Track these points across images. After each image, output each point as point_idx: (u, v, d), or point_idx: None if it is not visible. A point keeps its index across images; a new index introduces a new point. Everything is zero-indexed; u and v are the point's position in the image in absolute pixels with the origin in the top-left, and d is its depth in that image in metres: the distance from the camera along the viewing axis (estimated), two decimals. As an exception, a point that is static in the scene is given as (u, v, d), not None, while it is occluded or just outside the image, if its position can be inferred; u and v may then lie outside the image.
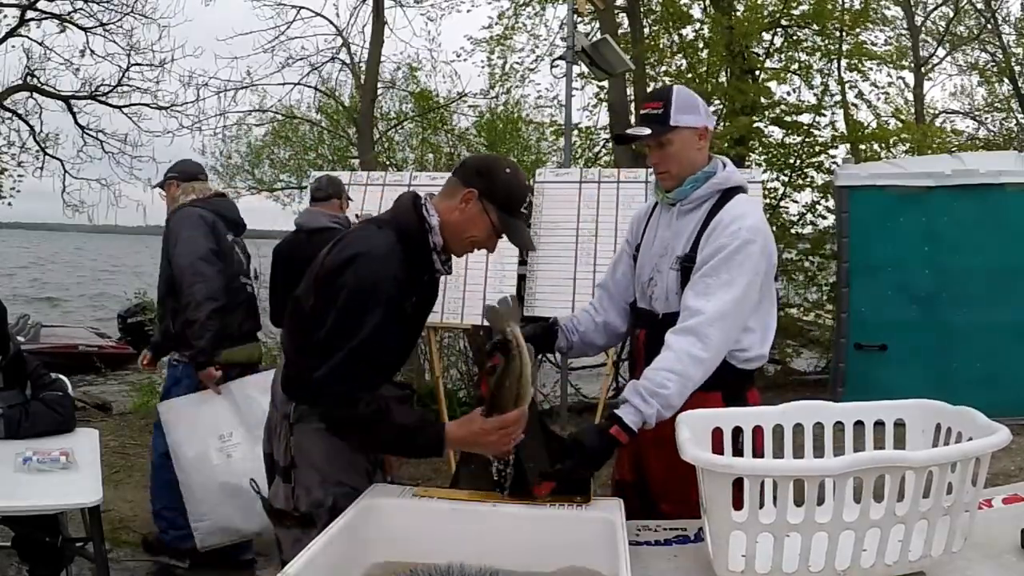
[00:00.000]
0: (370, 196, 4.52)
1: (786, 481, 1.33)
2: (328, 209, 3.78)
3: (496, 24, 9.53)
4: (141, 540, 3.64)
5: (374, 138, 8.85)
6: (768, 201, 7.65)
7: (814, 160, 8.27)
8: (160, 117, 9.79)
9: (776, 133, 8.56)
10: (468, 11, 9.97)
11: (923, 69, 12.78)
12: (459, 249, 1.86)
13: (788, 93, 8.66)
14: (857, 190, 5.56)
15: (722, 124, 7.92)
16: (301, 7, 9.19)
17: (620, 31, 8.53)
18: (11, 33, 9.20)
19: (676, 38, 9.04)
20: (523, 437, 1.68)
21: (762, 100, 8.33)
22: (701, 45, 8.75)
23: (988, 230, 5.32)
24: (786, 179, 8.33)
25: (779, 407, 1.70)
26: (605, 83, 8.04)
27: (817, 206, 8.15)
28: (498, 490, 1.70)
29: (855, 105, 8.84)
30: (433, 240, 1.81)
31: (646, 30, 9.09)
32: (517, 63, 9.62)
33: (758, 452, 1.66)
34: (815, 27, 8.44)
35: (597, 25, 8.20)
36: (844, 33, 8.60)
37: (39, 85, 9.49)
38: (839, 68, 8.76)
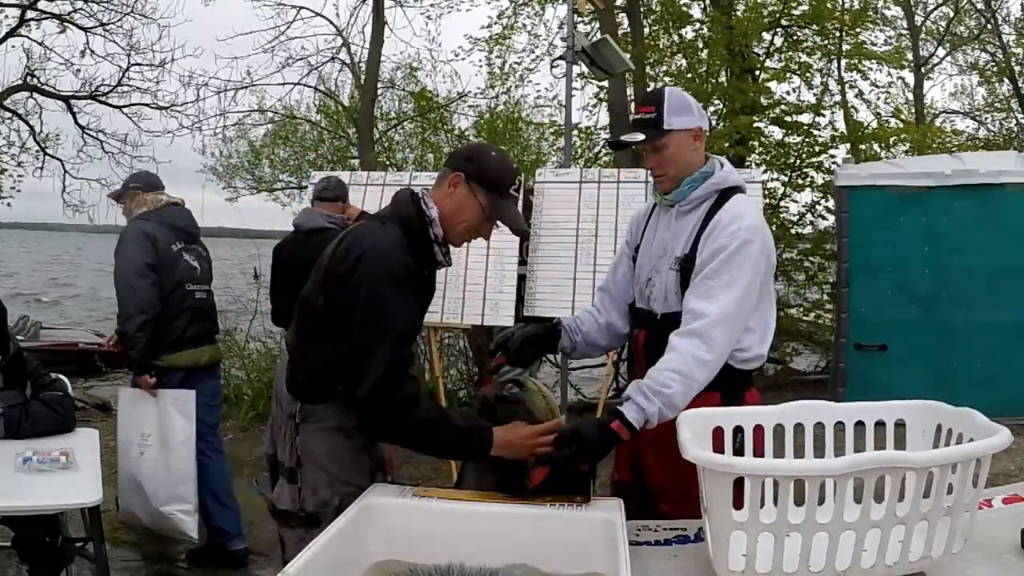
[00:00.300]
0: (370, 196, 4.52)
1: (787, 481, 1.33)
2: (330, 210, 3.81)
3: (495, 23, 9.54)
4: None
5: (374, 138, 8.85)
6: (768, 201, 7.64)
7: (814, 160, 8.25)
8: (160, 117, 9.86)
9: (776, 133, 8.56)
10: (468, 10, 9.94)
11: (923, 69, 12.80)
12: (456, 238, 1.87)
13: (788, 93, 8.65)
14: (857, 190, 5.55)
15: (722, 124, 7.92)
16: (301, 7, 9.19)
17: (620, 31, 8.50)
18: (11, 33, 9.22)
19: (676, 38, 9.03)
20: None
21: (762, 100, 8.32)
22: (701, 45, 8.74)
23: (988, 230, 5.31)
24: (786, 179, 8.31)
25: (780, 407, 1.70)
26: (605, 83, 8.02)
27: (817, 206, 8.15)
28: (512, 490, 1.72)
29: (855, 106, 8.86)
30: (434, 232, 1.82)
31: (646, 30, 9.07)
32: (516, 63, 9.64)
33: (758, 452, 1.66)
34: (815, 27, 8.42)
35: (597, 25, 8.19)
36: (844, 33, 8.59)
37: (39, 85, 9.51)
38: (839, 68, 8.76)
